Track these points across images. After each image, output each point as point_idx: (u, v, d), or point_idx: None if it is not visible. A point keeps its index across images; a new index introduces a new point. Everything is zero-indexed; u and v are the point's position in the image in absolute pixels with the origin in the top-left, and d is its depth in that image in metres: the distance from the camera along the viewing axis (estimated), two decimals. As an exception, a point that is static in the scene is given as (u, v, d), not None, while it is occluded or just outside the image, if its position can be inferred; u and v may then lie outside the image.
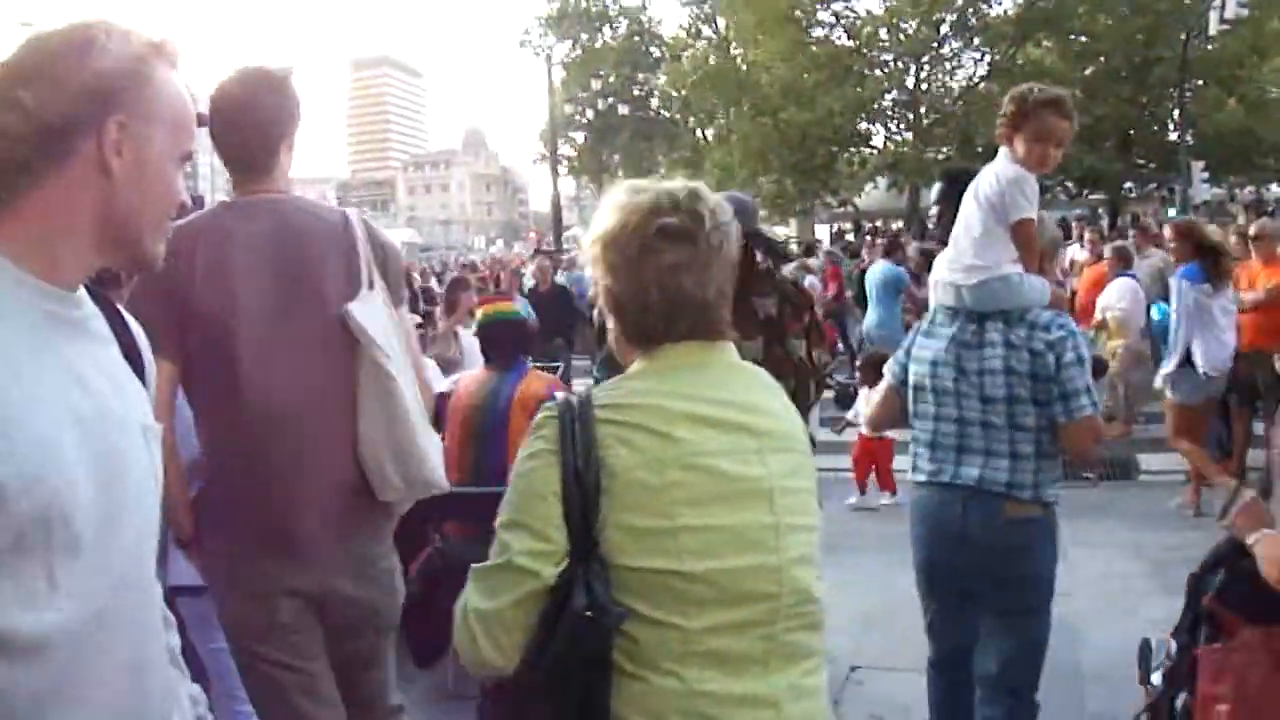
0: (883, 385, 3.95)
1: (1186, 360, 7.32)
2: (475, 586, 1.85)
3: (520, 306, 5.07)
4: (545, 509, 1.80)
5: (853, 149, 33.80)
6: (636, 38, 42.60)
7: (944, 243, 5.05)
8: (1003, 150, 3.60)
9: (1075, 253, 14.55)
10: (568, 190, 60.33)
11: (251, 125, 2.71)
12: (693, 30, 39.89)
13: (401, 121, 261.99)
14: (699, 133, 40.42)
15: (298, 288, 2.65)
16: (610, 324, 1.99)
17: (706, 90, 34.76)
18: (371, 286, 2.69)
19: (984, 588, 3.59)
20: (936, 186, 5.40)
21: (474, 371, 4.92)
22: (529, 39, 42.59)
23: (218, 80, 2.75)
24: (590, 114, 43.14)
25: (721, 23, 37.91)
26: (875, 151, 33.97)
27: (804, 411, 5.07)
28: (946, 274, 3.67)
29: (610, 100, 43.40)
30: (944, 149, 32.50)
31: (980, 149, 30.35)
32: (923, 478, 3.67)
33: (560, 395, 1.97)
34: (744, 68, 34.51)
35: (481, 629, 1.82)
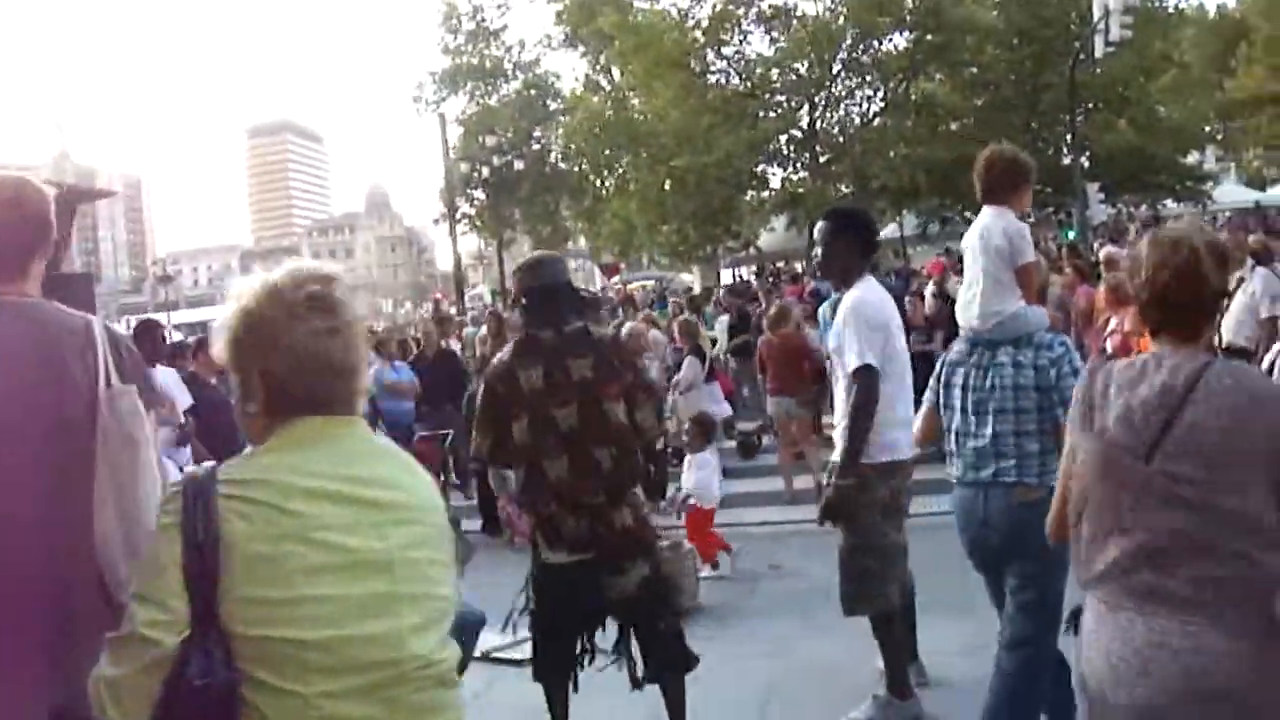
0: (924, 407, 4.76)
1: None
2: (106, 655, 1.90)
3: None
4: (166, 580, 1.86)
5: (751, 191, 33.58)
6: (532, 90, 42.13)
7: (830, 280, 6.14)
8: (993, 208, 4.55)
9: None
10: (473, 248, 59.83)
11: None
12: (589, 83, 39.50)
13: (304, 186, 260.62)
14: (599, 184, 39.95)
15: (38, 391, 2.65)
16: (242, 407, 2.03)
17: (601, 141, 34.32)
18: (109, 384, 2.71)
19: (1006, 562, 4.29)
20: (821, 224, 5.22)
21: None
22: (421, 94, 41.88)
23: None
24: (487, 170, 42.40)
25: (617, 73, 37.55)
26: (773, 192, 33.81)
27: (657, 482, 4.68)
28: (964, 315, 4.53)
29: (508, 156, 42.75)
30: (840, 185, 32.41)
31: (876, 185, 30.35)
32: (954, 477, 4.47)
33: (189, 469, 2.01)
34: (640, 117, 34.14)
35: (109, 696, 1.87)
